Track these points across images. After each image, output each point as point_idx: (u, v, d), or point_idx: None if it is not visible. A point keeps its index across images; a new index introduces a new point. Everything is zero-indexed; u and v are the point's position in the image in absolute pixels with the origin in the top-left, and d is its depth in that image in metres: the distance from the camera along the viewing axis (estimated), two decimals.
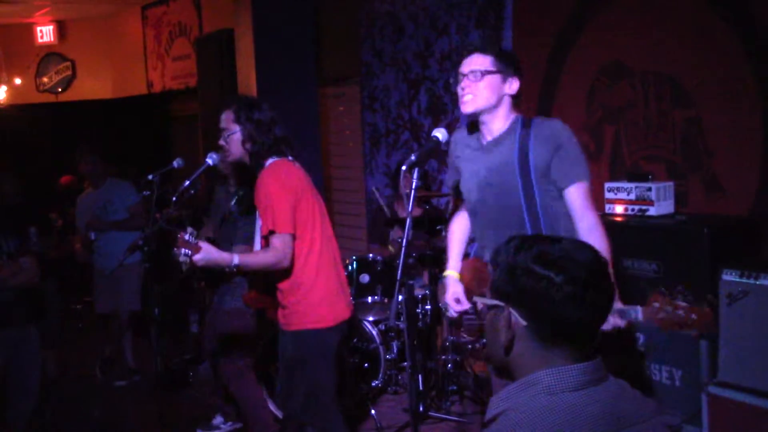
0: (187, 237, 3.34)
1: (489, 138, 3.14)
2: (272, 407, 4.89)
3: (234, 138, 3.67)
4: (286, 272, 3.62)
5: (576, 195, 3.04)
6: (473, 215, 3.34)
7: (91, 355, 6.70)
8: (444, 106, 6.40)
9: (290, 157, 3.72)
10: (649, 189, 4.27)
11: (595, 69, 5.07)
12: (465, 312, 3.40)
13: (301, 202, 3.59)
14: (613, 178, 4.79)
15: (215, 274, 4.60)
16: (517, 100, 3.11)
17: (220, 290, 4.73)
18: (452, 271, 3.45)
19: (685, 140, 4.57)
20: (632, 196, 4.35)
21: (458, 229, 3.53)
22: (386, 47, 6.98)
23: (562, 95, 5.35)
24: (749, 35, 4.21)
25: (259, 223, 3.75)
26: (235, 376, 4.68)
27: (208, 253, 3.38)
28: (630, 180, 4.43)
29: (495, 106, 3.07)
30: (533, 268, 1.54)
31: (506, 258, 1.60)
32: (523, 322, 1.56)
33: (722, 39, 4.33)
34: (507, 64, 3.06)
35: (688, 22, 4.49)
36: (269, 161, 3.66)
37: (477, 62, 3.05)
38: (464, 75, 3.06)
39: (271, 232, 3.50)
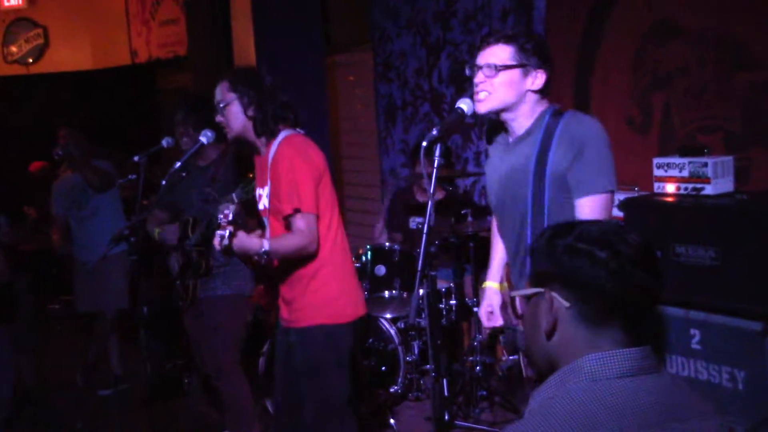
0: (231, 217, 3.36)
1: (515, 135, 3.14)
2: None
3: (232, 109, 3.68)
4: (304, 259, 3.64)
5: (587, 208, 2.97)
6: (495, 216, 3.38)
7: (71, 361, 6.75)
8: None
9: (301, 131, 3.75)
10: (705, 164, 4.22)
11: (643, 28, 5.03)
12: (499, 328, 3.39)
13: (323, 180, 3.64)
14: (663, 153, 4.75)
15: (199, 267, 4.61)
16: (543, 94, 3.07)
17: (206, 281, 4.67)
18: (491, 282, 3.43)
19: (749, 107, 4.52)
20: (685, 173, 4.31)
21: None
22: (402, 8, 6.97)
23: (604, 60, 5.30)
24: None
25: (264, 203, 3.75)
26: (228, 370, 4.71)
27: (240, 240, 3.40)
28: (683, 155, 4.38)
29: (515, 104, 3.04)
30: (576, 245, 1.63)
31: (543, 245, 1.69)
32: (566, 304, 1.64)
33: None
34: (530, 55, 3.00)
35: None
36: (282, 134, 3.68)
37: (495, 54, 3.01)
38: (479, 68, 3.03)
39: (296, 211, 3.52)
